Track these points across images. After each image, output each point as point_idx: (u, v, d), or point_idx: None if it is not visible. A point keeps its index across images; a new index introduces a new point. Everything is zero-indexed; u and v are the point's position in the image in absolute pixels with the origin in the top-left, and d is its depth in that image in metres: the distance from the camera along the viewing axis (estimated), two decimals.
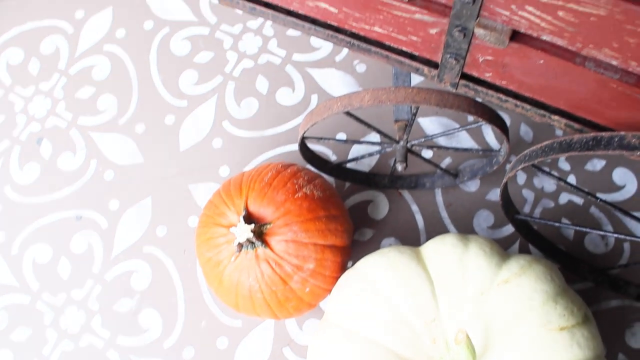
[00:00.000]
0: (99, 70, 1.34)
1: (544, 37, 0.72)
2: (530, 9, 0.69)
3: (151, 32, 1.36)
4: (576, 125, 0.84)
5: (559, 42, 0.72)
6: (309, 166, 1.19)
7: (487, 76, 0.83)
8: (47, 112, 1.32)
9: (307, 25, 0.90)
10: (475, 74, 0.84)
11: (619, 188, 1.16)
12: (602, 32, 0.68)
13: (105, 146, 1.28)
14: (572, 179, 1.17)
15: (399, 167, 1.01)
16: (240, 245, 0.93)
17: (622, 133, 0.76)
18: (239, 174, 1.04)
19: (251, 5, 0.92)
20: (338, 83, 1.27)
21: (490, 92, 0.86)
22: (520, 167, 0.88)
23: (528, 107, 0.85)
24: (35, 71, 1.36)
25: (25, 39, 1.39)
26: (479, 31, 0.74)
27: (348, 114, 0.93)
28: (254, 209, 0.96)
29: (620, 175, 1.17)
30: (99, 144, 1.29)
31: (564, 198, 1.16)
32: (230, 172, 1.24)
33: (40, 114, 1.32)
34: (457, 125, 1.22)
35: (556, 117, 0.85)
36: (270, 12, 0.91)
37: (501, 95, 0.86)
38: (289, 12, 0.91)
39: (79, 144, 1.29)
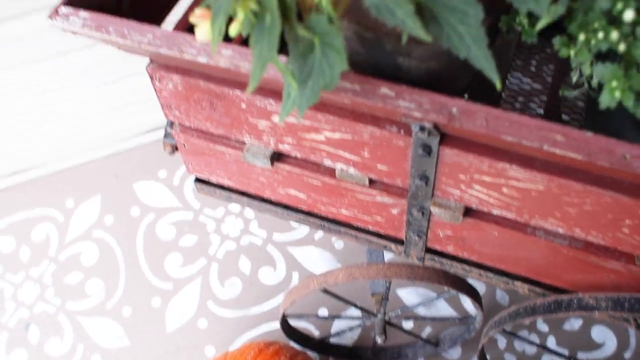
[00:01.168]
0: (88, 256, 1.39)
1: (495, 212, 0.78)
2: (477, 187, 0.76)
3: (138, 218, 1.43)
4: (538, 290, 0.88)
5: (509, 215, 0.78)
6: (292, 343, 1.21)
7: (450, 249, 0.89)
8: (36, 298, 1.35)
9: (280, 210, 0.97)
10: (438, 247, 0.90)
11: (598, 346, 1.17)
12: (544, 204, 0.74)
13: (92, 330, 1.30)
14: (551, 340, 1.19)
15: (379, 340, 1.04)
16: None
17: (580, 295, 0.80)
18: (221, 355, 1.06)
19: (227, 194, 0.99)
20: (318, 260, 1.32)
21: (455, 263, 0.91)
22: (492, 333, 0.91)
23: (491, 275, 0.90)
24: (26, 258, 1.40)
25: (17, 228, 1.45)
26: (434, 209, 0.81)
27: (326, 291, 0.97)
28: None
29: (599, 333, 1.19)
30: (87, 328, 1.31)
31: None
32: (215, 352, 1.25)
33: (29, 300, 1.35)
34: (435, 294, 1.25)
35: (519, 283, 0.89)
36: (245, 199, 0.98)
37: (465, 266, 0.91)
38: (263, 199, 0.98)
39: (66, 328, 1.31)
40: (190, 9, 0.85)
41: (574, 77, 0.63)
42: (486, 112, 0.60)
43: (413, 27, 0.49)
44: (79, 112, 1.56)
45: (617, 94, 0.51)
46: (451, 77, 0.70)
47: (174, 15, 0.87)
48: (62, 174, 1.51)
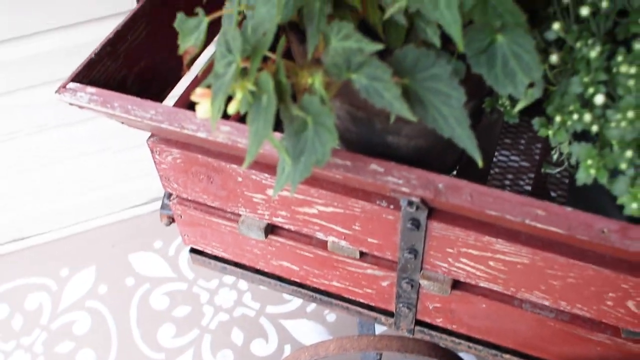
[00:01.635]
0: (80, 325, 1.39)
1: (482, 284, 0.80)
2: (464, 260, 0.78)
3: (132, 288, 1.44)
4: None
5: (496, 287, 0.80)
6: None
7: (439, 321, 0.90)
8: None
9: (273, 282, 0.99)
10: (428, 320, 0.91)
11: None
12: (530, 277, 0.76)
13: None
14: None
15: None
16: None
17: None
18: None
19: (222, 265, 1.01)
20: (310, 332, 1.33)
21: (444, 336, 0.92)
22: None
23: (480, 347, 0.91)
24: (18, 326, 1.40)
25: (11, 296, 1.46)
26: (423, 282, 0.83)
27: None
28: None
29: None
30: None
31: None
32: None
33: None
34: None
35: (507, 356, 0.90)
36: (239, 270, 1.00)
37: (455, 339, 0.92)
38: (257, 271, 1.00)
39: None
40: (190, 87, 0.89)
41: (555, 156, 0.67)
42: (471, 188, 0.63)
43: (400, 108, 0.52)
44: (77, 182, 1.59)
45: (592, 172, 0.54)
46: (439, 154, 0.73)
47: (175, 92, 0.91)
48: (58, 243, 1.53)
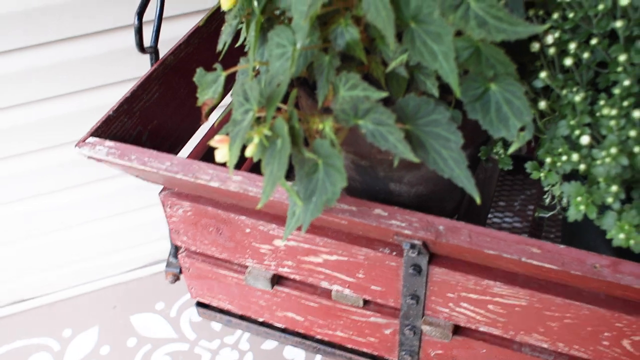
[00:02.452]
0: None
1: (482, 328, 0.83)
2: (465, 305, 0.81)
3: (134, 349, 1.44)
4: None
5: (495, 331, 0.83)
6: None
7: None
8: None
9: (277, 333, 1.01)
10: None
11: None
12: (528, 319, 0.79)
13: None
14: None
15: None
16: None
17: None
18: None
19: (228, 318, 1.03)
20: None
21: None
22: None
23: None
24: None
25: (13, 356, 1.46)
26: (425, 328, 0.85)
27: None
28: None
29: None
30: None
31: None
32: None
33: None
34: None
35: None
36: (244, 323, 1.02)
37: None
38: (262, 323, 1.02)
39: None
40: (203, 141, 0.94)
41: (547, 199, 0.71)
42: (470, 229, 0.68)
43: (403, 151, 0.57)
44: (79, 246, 1.61)
45: (582, 208, 0.59)
46: (439, 201, 0.77)
47: (185, 150, 0.96)
48: (61, 304, 1.54)
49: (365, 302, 0.90)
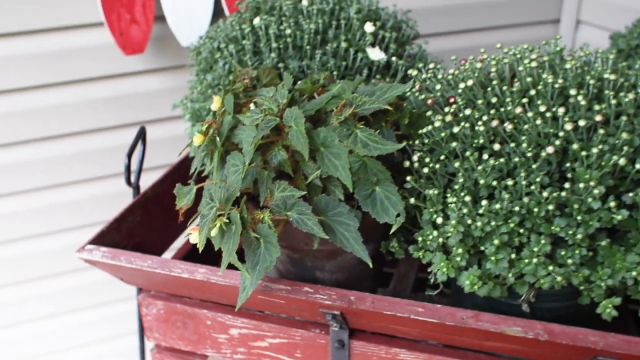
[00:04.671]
0: None
1: None
2: None
3: None
4: None
5: None
6: None
7: None
8: None
9: None
10: None
11: None
12: None
13: None
14: None
15: None
16: None
17: None
18: None
19: None
20: None
21: None
22: None
23: None
24: None
25: None
26: None
27: None
28: None
29: None
30: None
31: None
32: None
33: None
34: None
35: None
36: None
37: None
38: None
39: None
40: (177, 253, 1.19)
41: (432, 279, 0.97)
42: (373, 297, 0.93)
43: (318, 231, 0.84)
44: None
45: (445, 270, 0.85)
46: (354, 286, 1.02)
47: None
48: None
49: None
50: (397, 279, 1.25)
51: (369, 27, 1.10)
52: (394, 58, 1.10)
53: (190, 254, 1.22)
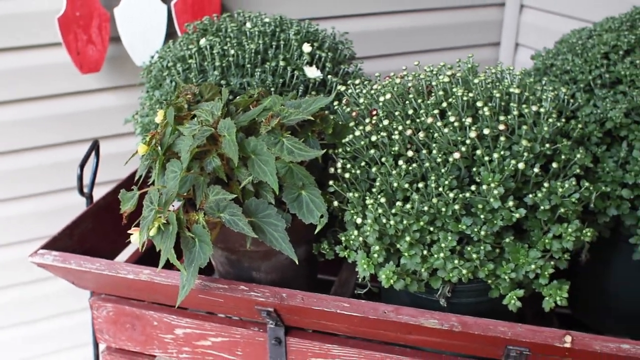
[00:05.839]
0: None
1: None
2: None
3: None
4: None
5: None
6: None
7: None
8: None
9: None
10: None
11: None
12: None
13: None
14: None
15: None
16: None
17: None
18: None
19: None
20: None
21: None
22: None
23: None
24: None
25: None
26: None
27: None
28: None
29: None
30: None
31: None
32: None
33: None
34: None
35: None
36: None
37: None
38: None
39: None
40: (132, 257, 1.26)
41: (359, 278, 1.05)
42: (302, 294, 1.00)
43: (248, 231, 0.91)
44: None
45: (366, 267, 0.93)
46: (288, 285, 1.10)
47: None
48: None
49: None
50: (338, 285, 1.32)
51: (306, 48, 1.20)
52: (329, 76, 1.19)
53: (141, 260, 1.28)
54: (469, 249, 0.91)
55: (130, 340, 1.20)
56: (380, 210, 0.91)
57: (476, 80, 0.98)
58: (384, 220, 0.91)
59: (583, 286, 1.22)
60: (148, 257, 1.22)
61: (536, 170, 0.92)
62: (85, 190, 1.23)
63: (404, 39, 1.78)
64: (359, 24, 1.71)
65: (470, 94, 0.97)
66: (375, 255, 0.92)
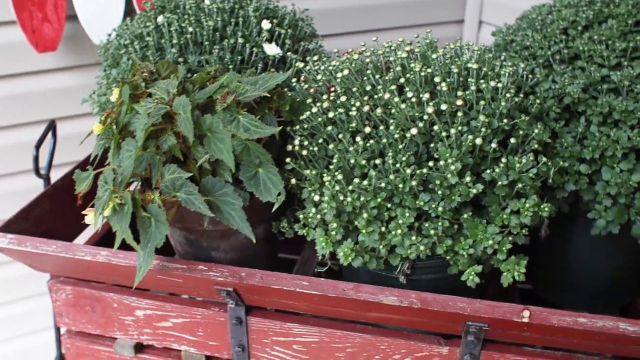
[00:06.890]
0: None
1: None
2: (277, 348, 1.10)
3: None
4: None
5: None
6: None
7: None
8: None
9: None
10: None
11: None
12: (323, 353, 1.09)
13: None
14: None
15: None
16: None
17: None
18: None
19: None
20: None
21: None
22: None
23: None
24: None
25: None
26: None
27: None
28: None
29: None
30: None
31: None
32: None
33: None
34: None
35: None
36: None
37: None
38: None
39: None
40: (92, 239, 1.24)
41: (319, 257, 1.05)
42: (262, 273, 1.00)
43: (204, 210, 0.90)
44: None
45: (324, 244, 0.93)
46: (247, 265, 1.09)
47: None
48: None
49: (208, 358, 1.17)
50: (300, 264, 1.32)
51: (265, 24, 1.18)
52: (289, 53, 1.18)
53: (101, 242, 1.27)
54: (427, 225, 0.91)
55: (90, 323, 1.18)
56: (337, 187, 0.90)
57: (434, 56, 0.98)
58: (342, 197, 0.90)
59: (543, 262, 1.23)
60: (108, 238, 1.20)
61: (494, 145, 0.92)
62: (42, 171, 1.21)
63: (368, 16, 1.77)
64: (321, 1, 1.69)
65: (429, 70, 0.96)
66: (333, 232, 0.92)
